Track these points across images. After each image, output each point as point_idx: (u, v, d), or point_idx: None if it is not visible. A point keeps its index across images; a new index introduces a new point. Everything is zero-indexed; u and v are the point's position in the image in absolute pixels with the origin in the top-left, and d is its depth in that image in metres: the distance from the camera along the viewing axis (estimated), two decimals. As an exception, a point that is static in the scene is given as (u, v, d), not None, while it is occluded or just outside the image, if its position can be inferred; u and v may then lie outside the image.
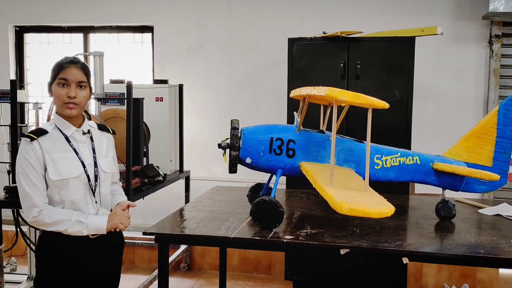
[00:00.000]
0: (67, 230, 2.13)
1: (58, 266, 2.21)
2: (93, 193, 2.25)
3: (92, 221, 2.17)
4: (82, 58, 5.42)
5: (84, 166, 2.21)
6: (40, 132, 2.17)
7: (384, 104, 2.19)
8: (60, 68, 2.17)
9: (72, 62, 2.19)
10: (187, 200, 4.61)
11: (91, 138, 2.30)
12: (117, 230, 2.26)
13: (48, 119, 3.74)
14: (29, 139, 2.13)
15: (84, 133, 2.26)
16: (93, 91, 2.30)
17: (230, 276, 4.65)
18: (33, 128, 4.28)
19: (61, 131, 2.21)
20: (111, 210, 2.37)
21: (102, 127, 2.41)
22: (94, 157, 2.27)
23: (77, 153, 2.21)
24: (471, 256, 2.17)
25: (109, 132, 2.44)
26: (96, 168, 2.25)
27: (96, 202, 2.26)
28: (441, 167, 2.62)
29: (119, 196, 2.47)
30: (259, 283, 4.71)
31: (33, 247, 4.15)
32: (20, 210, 3.89)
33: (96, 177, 2.25)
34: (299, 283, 4.21)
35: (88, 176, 2.22)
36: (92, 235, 2.21)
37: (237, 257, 4.91)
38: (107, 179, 2.33)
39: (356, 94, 2.20)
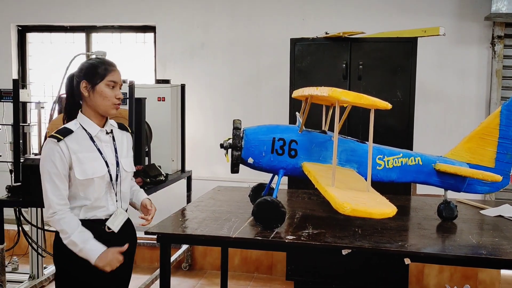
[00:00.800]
0: (66, 245, 2.18)
1: (75, 260, 2.24)
2: (114, 191, 2.31)
3: (88, 249, 2.17)
4: (84, 58, 5.44)
5: (107, 166, 2.27)
6: (66, 132, 2.21)
7: (386, 105, 2.19)
8: (105, 70, 2.26)
9: (114, 65, 2.33)
10: (189, 200, 4.61)
11: (113, 137, 2.36)
12: (105, 270, 2.22)
13: (51, 119, 3.74)
14: (56, 140, 2.17)
15: (107, 133, 2.33)
16: None
17: (231, 276, 4.65)
18: (35, 127, 4.31)
19: (86, 130, 2.26)
20: (130, 204, 2.47)
21: (121, 126, 2.46)
22: (116, 157, 2.32)
23: (101, 153, 2.27)
24: (473, 257, 2.17)
25: (128, 131, 2.49)
26: (118, 168, 2.31)
27: (116, 200, 2.32)
28: (443, 168, 2.62)
29: (138, 192, 2.55)
30: (260, 283, 4.71)
31: (35, 246, 4.16)
32: (23, 209, 3.92)
33: (117, 176, 2.31)
34: (300, 284, 4.21)
35: (110, 175, 2.27)
36: (109, 228, 2.27)
37: (238, 257, 4.91)
38: (128, 177, 2.39)
39: (358, 95, 2.20)
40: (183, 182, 4.59)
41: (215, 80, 5.08)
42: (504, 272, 4.46)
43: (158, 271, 3.86)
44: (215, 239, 2.37)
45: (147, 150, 3.97)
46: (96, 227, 2.24)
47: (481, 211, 2.96)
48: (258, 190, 2.91)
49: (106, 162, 2.27)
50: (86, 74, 2.26)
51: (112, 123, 2.40)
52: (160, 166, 3.95)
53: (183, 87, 4.57)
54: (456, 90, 4.65)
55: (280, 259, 4.74)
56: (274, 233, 2.37)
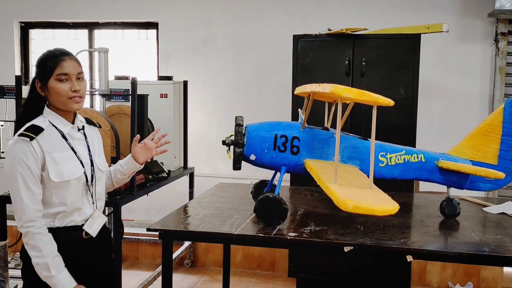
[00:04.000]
0: (34, 265, 1.97)
1: None
2: (90, 193, 2.13)
3: (60, 278, 1.97)
4: (87, 54, 5.42)
5: (83, 166, 2.09)
6: (37, 130, 1.99)
7: (389, 102, 2.18)
8: (54, 62, 2.01)
9: (66, 54, 2.06)
10: (191, 196, 4.61)
11: (85, 134, 2.17)
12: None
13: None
14: (28, 139, 1.96)
15: (78, 130, 2.14)
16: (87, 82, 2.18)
17: (233, 273, 4.65)
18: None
19: (56, 128, 2.06)
20: (123, 173, 2.33)
21: (89, 121, 2.26)
22: (90, 156, 2.14)
23: (75, 152, 2.08)
24: (476, 254, 2.16)
25: (96, 126, 2.30)
26: (92, 167, 2.13)
27: (93, 202, 2.15)
28: (446, 165, 2.61)
29: (118, 164, 2.36)
30: (262, 280, 4.71)
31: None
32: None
33: (92, 176, 2.13)
34: (302, 280, 4.21)
35: (86, 176, 2.10)
36: (86, 234, 2.10)
37: (240, 253, 4.91)
38: (102, 177, 2.22)
39: (361, 91, 2.19)
40: (185, 179, 4.59)
41: (217, 76, 5.08)
42: (506, 269, 4.45)
43: (160, 267, 3.86)
44: (217, 236, 2.37)
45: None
46: (72, 234, 2.07)
47: (484, 209, 2.95)
48: (260, 187, 2.91)
49: (81, 161, 2.08)
50: (38, 71, 2.04)
51: (81, 119, 2.20)
52: (162, 163, 3.95)
53: (185, 83, 4.57)
54: (459, 87, 4.64)
55: (282, 256, 4.75)
56: (276, 230, 2.37)
